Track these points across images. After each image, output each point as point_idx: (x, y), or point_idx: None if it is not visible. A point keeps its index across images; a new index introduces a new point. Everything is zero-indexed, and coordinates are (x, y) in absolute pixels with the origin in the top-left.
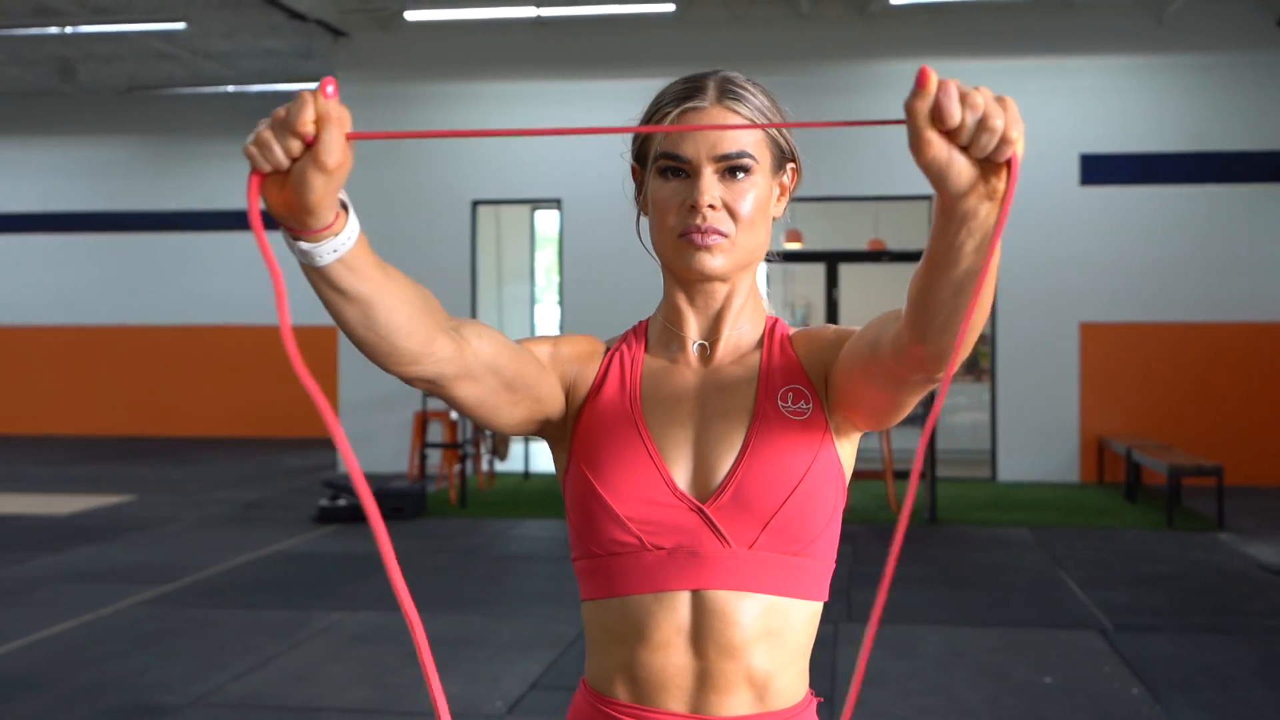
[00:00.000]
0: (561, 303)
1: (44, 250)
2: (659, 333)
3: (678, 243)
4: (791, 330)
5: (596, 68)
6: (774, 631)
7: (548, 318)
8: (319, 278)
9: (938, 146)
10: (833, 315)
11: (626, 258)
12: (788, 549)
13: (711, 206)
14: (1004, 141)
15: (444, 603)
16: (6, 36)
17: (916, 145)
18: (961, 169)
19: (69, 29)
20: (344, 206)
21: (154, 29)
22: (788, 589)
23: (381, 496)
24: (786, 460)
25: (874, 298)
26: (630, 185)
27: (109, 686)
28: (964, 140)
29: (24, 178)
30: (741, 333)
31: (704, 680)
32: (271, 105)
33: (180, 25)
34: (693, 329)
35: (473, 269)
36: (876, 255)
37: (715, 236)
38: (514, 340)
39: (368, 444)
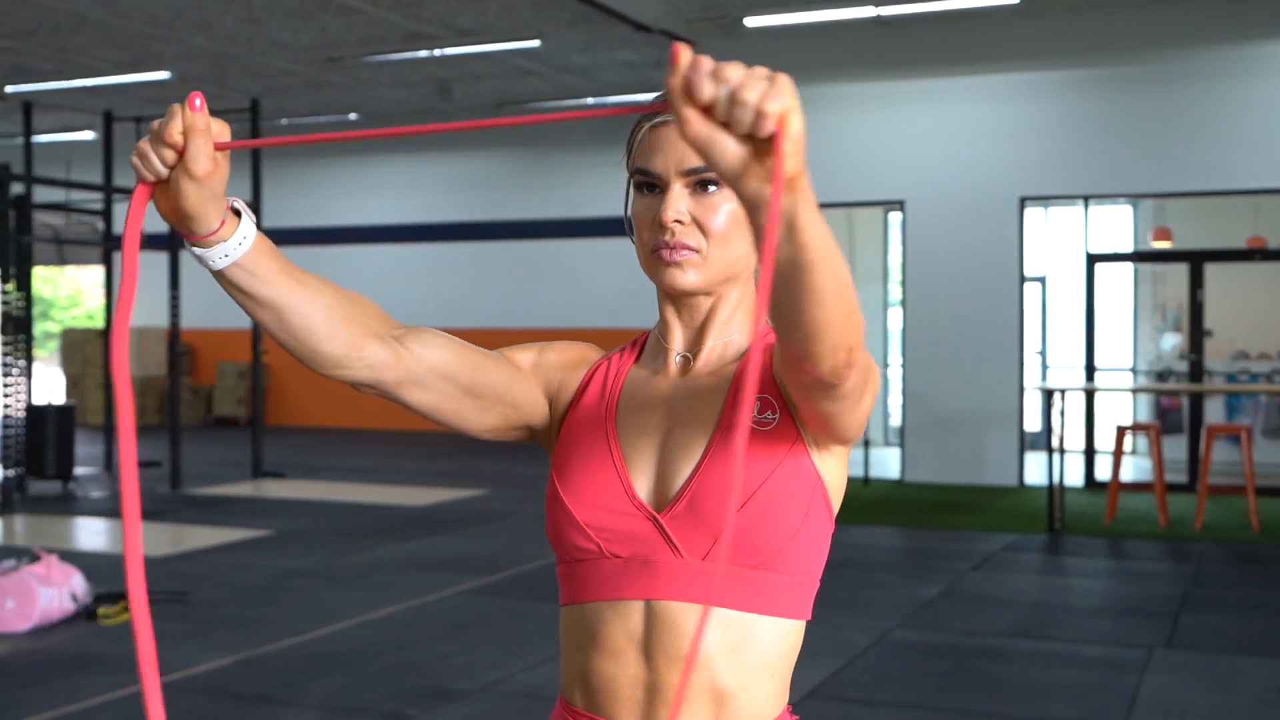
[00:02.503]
0: (905, 305)
1: (427, 258)
2: (651, 344)
3: (651, 259)
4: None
5: (940, 65)
6: (736, 647)
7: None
8: (223, 282)
9: (696, 124)
10: (1197, 319)
11: (972, 259)
12: (744, 561)
13: (679, 222)
14: (759, 114)
15: None
16: (387, 61)
17: (679, 124)
18: (725, 147)
19: (437, 51)
20: (236, 213)
21: (514, 48)
22: (746, 603)
23: None
24: (747, 471)
25: (1245, 301)
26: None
27: (411, 669)
28: (721, 116)
29: (408, 191)
30: (728, 343)
31: (654, 692)
32: (632, 117)
33: (536, 43)
34: (678, 340)
35: None
36: (1250, 254)
37: (684, 252)
38: (495, 349)
39: None
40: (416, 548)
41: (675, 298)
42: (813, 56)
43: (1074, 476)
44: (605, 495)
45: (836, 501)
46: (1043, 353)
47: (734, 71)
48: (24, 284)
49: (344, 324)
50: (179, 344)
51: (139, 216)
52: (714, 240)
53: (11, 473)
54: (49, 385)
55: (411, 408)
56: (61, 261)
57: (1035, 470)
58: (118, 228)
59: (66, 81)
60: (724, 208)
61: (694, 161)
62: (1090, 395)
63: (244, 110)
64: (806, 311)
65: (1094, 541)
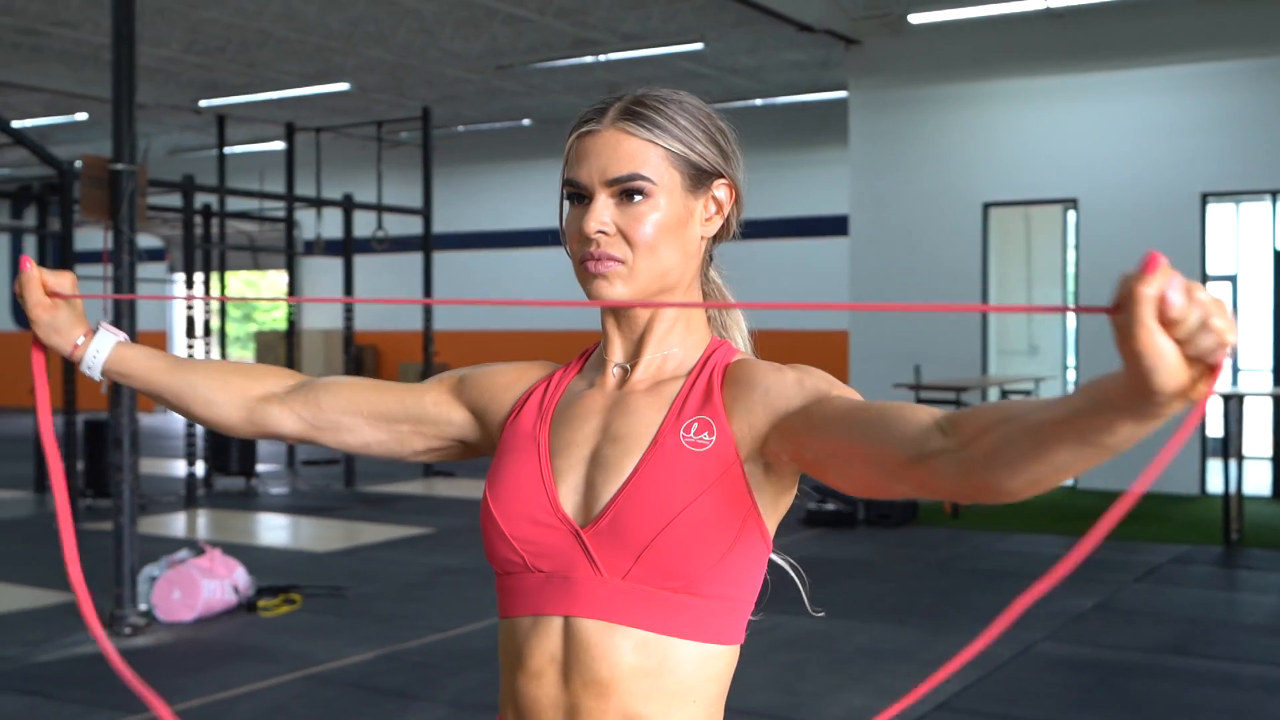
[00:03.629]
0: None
1: None
2: (594, 356)
3: (579, 270)
4: (737, 357)
5: (1116, 57)
6: (650, 672)
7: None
8: (119, 383)
9: (1155, 337)
10: None
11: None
12: (664, 584)
13: (603, 232)
14: (1221, 345)
15: (887, 612)
16: (557, 67)
17: (1132, 332)
18: (1174, 365)
19: (603, 57)
20: (94, 331)
21: (678, 51)
22: (666, 626)
23: (870, 503)
24: (672, 492)
25: None
26: None
27: None
28: (1182, 335)
29: None
30: (668, 356)
31: (574, 716)
32: (798, 116)
33: (699, 46)
34: (617, 352)
35: (984, 273)
36: None
37: (609, 263)
38: (428, 380)
39: None
40: None
41: (613, 309)
42: (981, 52)
43: (1260, 485)
44: (531, 507)
45: (773, 523)
46: (1233, 355)
47: (1203, 294)
48: (211, 288)
49: (230, 395)
50: (353, 346)
51: (38, 355)
52: (640, 251)
53: (197, 469)
54: None
55: (344, 449)
56: (257, 266)
57: (1218, 478)
58: (307, 233)
59: (255, 95)
60: (650, 217)
61: (618, 171)
62: (1278, 400)
63: (417, 118)
64: (1049, 480)
65: (1273, 555)
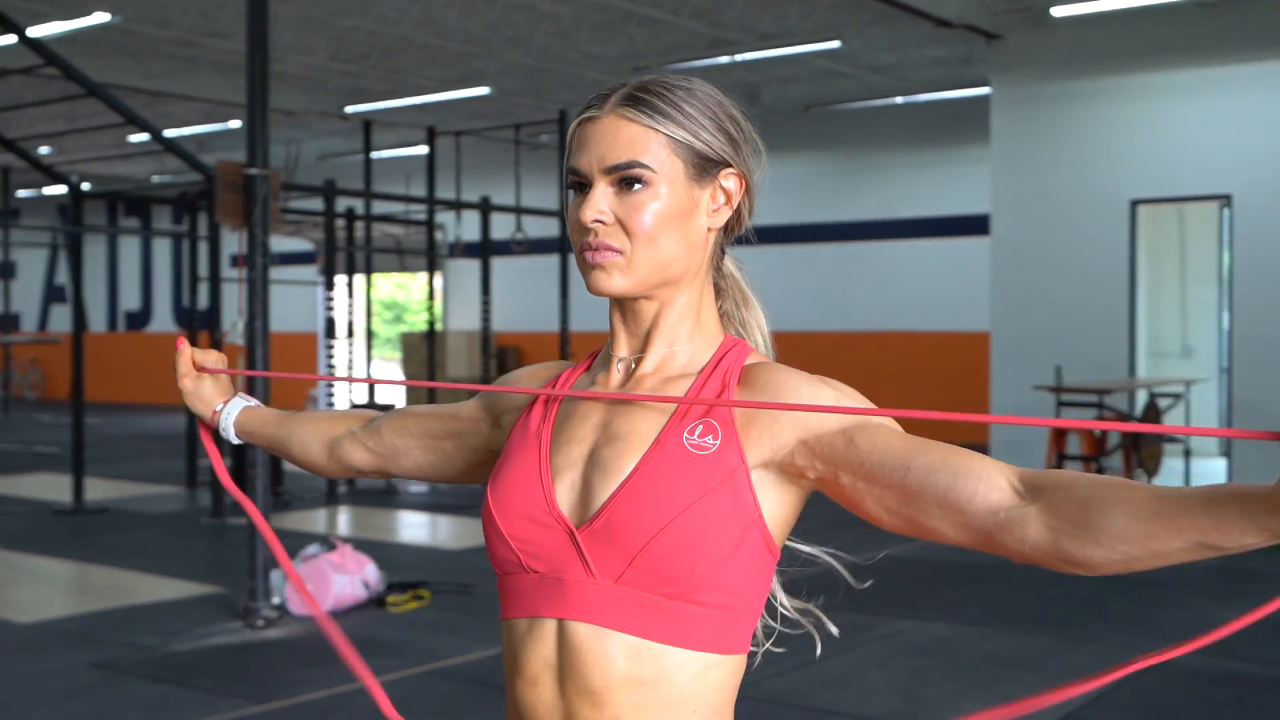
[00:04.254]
0: (1232, 306)
1: (741, 263)
2: (603, 352)
3: (580, 260)
4: (753, 359)
5: (1269, 46)
6: (644, 680)
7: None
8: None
9: None
10: None
11: None
12: (658, 589)
13: (600, 221)
14: None
15: (1019, 620)
16: (694, 68)
17: None
18: None
19: (739, 57)
20: (229, 400)
21: (815, 49)
22: (660, 633)
23: None
24: (669, 495)
25: None
26: None
27: None
28: None
29: None
30: (676, 352)
31: None
32: (941, 114)
33: (836, 44)
34: (623, 347)
35: (1131, 273)
36: None
37: (607, 254)
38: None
39: (1017, 451)
40: None
41: (619, 302)
42: (1127, 44)
43: None
44: (528, 505)
45: (781, 531)
46: None
47: None
48: (356, 290)
49: (323, 446)
50: (493, 348)
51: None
52: (638, 241)
53: None
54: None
55: (408, 476)
56: (404, 269)
57: None
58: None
59: (399, 100)
60: (650, 206)
61: (617, 158)
62: None
63: (555, 120)
64: (1141, 565)
65: None
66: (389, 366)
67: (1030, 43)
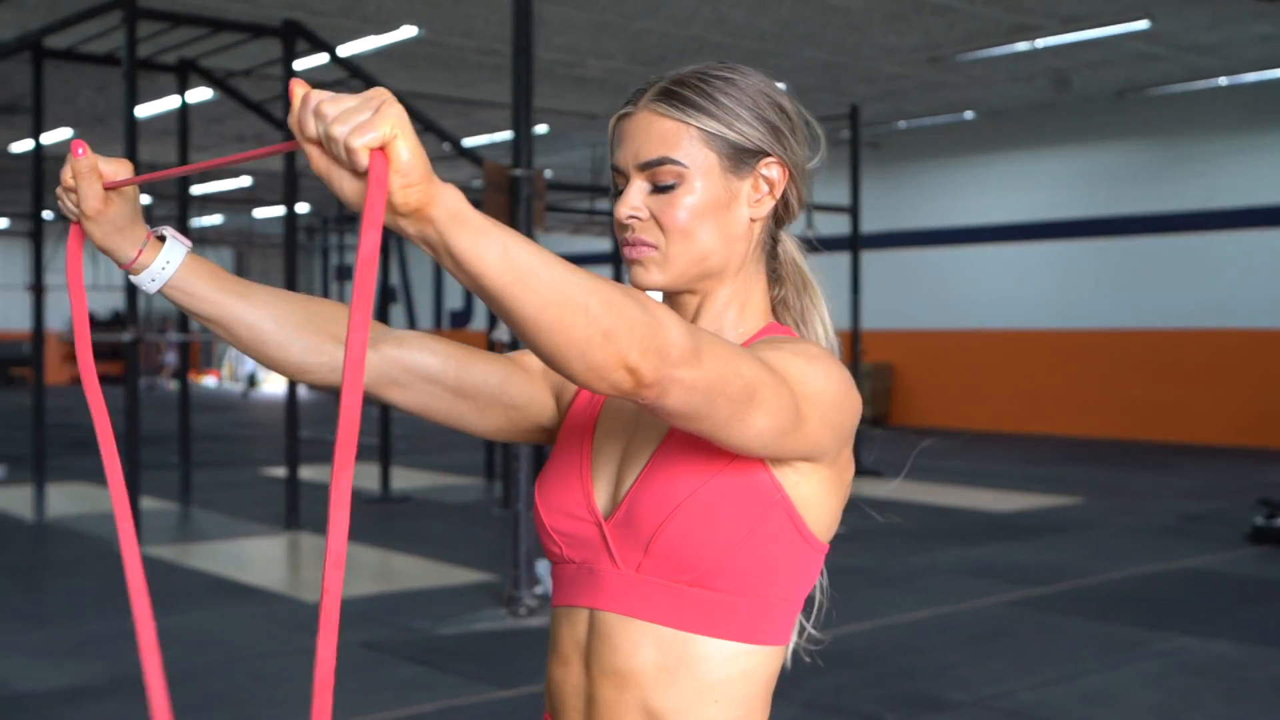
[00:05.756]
0: None
1: (1047, 256)
2: None
3: (625, 256)
4: (775, 336)
5: None
6: (668, 667)
7: None
8: (170, 301)
9: (316, 159)
10: None
11: None
12: (676, 576)
13: (635, 217)
14: (348, 151)
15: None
16: (998, 55)
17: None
18: (340, 184)
19: (1040, 42)
20: (161, 239)
21: (1121, 31)
22: (684, 621)
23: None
24: (680, 480)
25: None
26: None
27: (912, 674)
28: (334, 152)
29: (1031, 188)
30: None
31: (592, 705)
32: (1271, 95)
33: (1144, 24)
34: None
35: None
36: None
37: (643, 249)
38: (499, 353)
39: None
40: (979, 553)
41: (668, 295)
42: None
43: None
44: (568, 499)
45: (817, 518)
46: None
47: (332, 106)
48: None
49: (298, 331)
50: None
51: (75, 252)
52: (672, 236)
53: None
54: None
55: (398, 407)
56: None
57: None
58: None
59: None
60: (684, 201)
61: (649, 154)
62: None
63: (844, 115)
64: (529, 338)
65: None
66: None
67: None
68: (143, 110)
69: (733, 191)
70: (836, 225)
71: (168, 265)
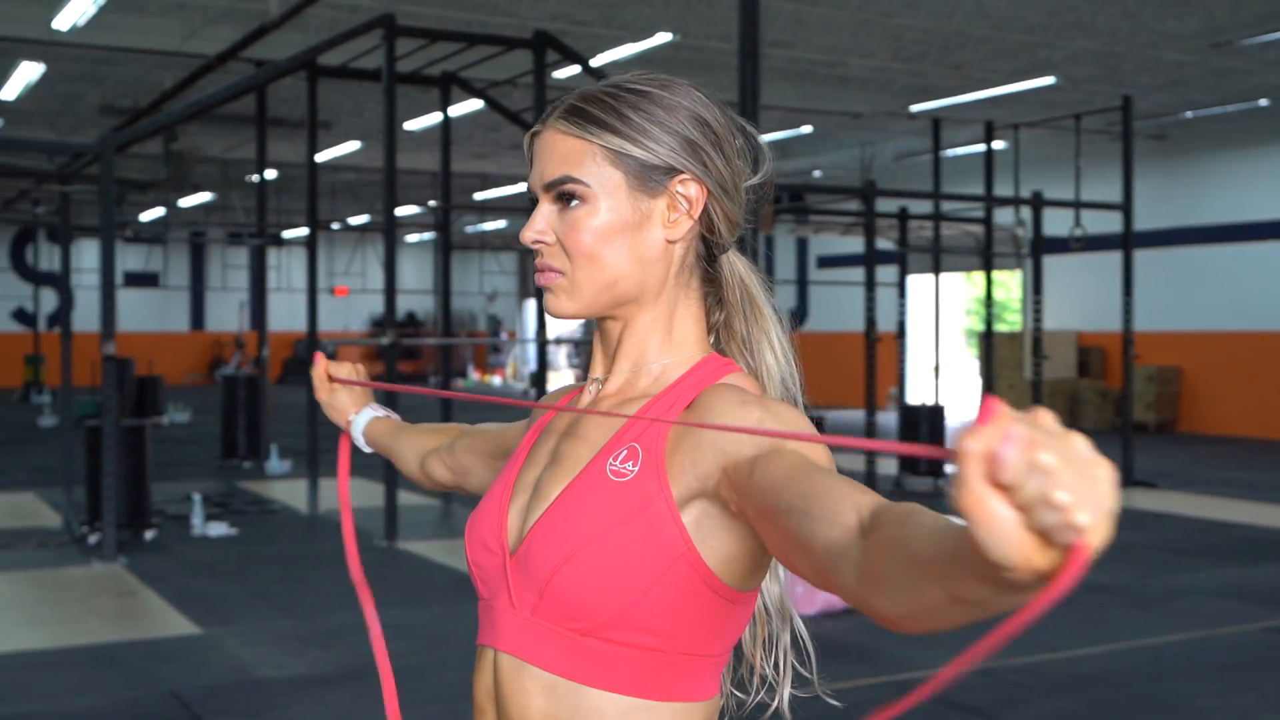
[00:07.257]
0: None
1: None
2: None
3: (536, 282)
4: (724, 379)
5: None
6: (559, 718)
7: None
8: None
9: (981, 502)
10: None
11: None
12: (568, 624)
13: (540, 242)
14: (1067, 526)
15: None
16: (1278, 40)
17: (958, 489)
18: (1012, 537)
19: None
20: (358, 413)
21: None
22: (575, 671)
23: None
24: (581, 523)
25: None
26: None
27: (1149, 703)
28: (1019, 503)
29: None
30: (641, 372)
31: None
32: None
33: None
34: (597, 367)
35: None
36: None
37: (550, 275)
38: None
39: None
40: (1248, 574)
41: (597, 323)
42: None
43: None
44: (484, 530)
45: (730, 570)
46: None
47: (1048, 457)
48: (902, 290)
49: (417, 460)
50: (1132, 349)
51: (344, 456)
52: (577, 261)
53: (878, 467)
54: (960, 385)
55: (475, 494)
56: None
57: None
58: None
59: (963, 96)
60: (587, 224)
61: (552, 174)
62: None
63: (1117, 108)
64: (930, 621)
65: None
66: (970, 366)
67: None
68: (418, 123)
69: (644, 212)
70: (1108, 223)
71: (356, 433)
